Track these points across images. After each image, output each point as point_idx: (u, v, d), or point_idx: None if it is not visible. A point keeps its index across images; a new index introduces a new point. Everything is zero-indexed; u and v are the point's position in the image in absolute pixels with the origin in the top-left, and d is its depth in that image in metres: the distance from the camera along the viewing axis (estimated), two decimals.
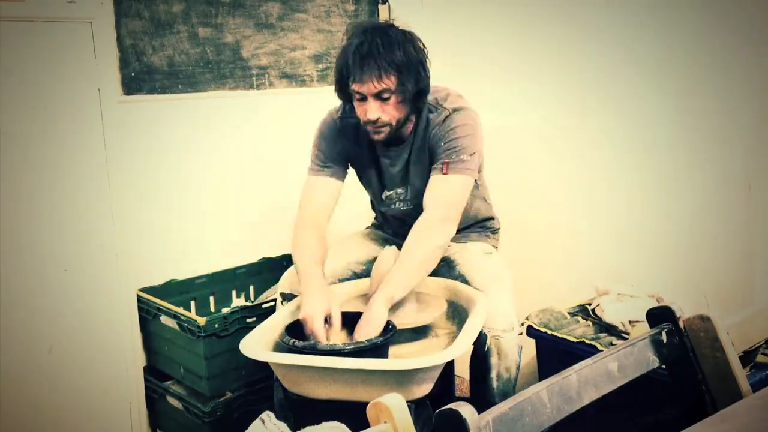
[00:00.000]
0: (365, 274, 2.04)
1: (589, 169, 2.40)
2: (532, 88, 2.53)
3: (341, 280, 2.08)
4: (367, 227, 2.36)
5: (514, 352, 1.86)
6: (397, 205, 2.09)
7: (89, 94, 2.01)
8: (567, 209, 2.49)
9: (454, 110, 1.94)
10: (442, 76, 2.83)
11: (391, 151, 2.02)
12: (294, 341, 1.63)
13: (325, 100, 2.69)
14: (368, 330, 1.67)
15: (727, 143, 2.06)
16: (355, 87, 1.84)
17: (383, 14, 2.81)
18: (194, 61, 2.39)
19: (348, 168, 2.09)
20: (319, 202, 2.00)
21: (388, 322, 1.71)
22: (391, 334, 1.67)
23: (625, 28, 2.24)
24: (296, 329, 1.72)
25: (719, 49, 2.04)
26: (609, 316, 2.01)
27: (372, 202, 2.26)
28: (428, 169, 1.94)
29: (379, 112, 1.85)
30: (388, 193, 2.09)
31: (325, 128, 2.06)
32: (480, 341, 1.82)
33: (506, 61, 2.59)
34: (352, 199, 2.24)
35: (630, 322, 1.96)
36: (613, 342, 1.90)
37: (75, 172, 2.01)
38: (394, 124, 1.89)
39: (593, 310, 2.10)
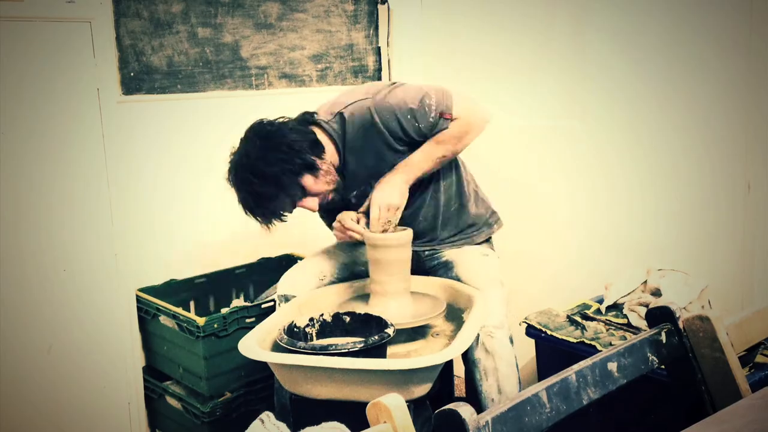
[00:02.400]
0: (364, 273, 2.04)
1: (589, 169, 2.40)
2: (531, 88, 2.52)
3: (340, 280, 2.08)
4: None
5: (506, 352, 1.82)
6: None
7: (88, 93, 2.01)
8: (566, 210, 2.49)
9: (366, 105, 1.90)
10: (441, 77, 2.82)
11: None
12: (294, 341, 1.63)
13: (324, 101, 2.70)
14: (383, 185, 1.87)
15: (727, 143, 2.06)
16: None
17: (383, 14, 2.82)
18: (193, 61, 2.39)
19: None
20: None
21: (388, 322, 1.71)
22: (391, 335, 1.66)
23: (626, 29, 2.24)
24: (295, 329, 1.72)
25: (720, 50, 2.04)
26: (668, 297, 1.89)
27: None
28: (380, 153, 1.92)
29: (312, 202, 1.90)
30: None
31: None
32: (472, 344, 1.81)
33: (506, 61, 2.59)
34: None
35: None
36: (613, 342, 1.90)
37: (74, 172, 2.01)
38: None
39: (615, 305, 2.04)
